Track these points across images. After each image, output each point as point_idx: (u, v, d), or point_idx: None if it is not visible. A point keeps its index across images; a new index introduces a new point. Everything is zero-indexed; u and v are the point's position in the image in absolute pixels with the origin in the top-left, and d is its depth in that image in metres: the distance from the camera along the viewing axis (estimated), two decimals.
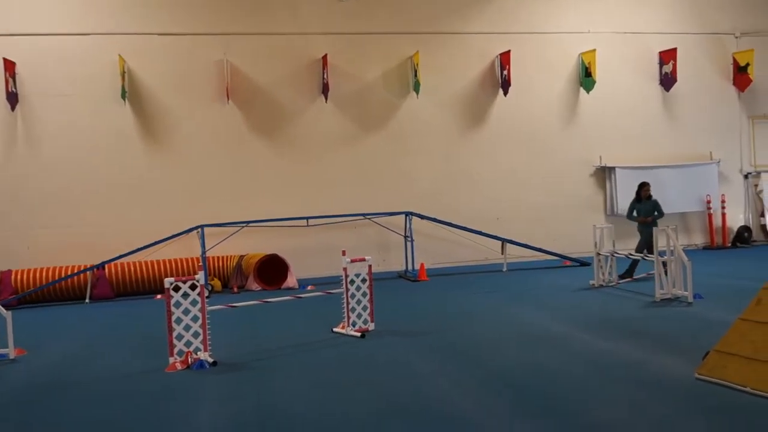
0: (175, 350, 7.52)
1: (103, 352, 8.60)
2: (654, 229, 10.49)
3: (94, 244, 13.96)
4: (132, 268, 13.61)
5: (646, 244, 11.69)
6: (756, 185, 17.70)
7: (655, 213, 12.25)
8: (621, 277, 12.01)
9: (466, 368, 6.94)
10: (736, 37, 17.68)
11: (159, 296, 13.08)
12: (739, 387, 5.55)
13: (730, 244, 17.23)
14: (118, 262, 13.53)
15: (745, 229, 17.39)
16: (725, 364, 5.80)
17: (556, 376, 6.49)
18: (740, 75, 17.39)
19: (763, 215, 17.53)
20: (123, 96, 14.18)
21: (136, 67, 14.58)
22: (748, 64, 17.20)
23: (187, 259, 13.95)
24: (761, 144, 17.87)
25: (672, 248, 9.88)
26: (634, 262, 12.07)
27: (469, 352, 7.63)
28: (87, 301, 13.15)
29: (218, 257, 14.12)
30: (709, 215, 17.13)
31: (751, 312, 6.02)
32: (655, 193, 16.95)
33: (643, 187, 12.46)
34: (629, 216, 12.55)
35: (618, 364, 6.75)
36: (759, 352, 5.64)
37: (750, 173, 17.74)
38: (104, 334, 9.90)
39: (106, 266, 13.49)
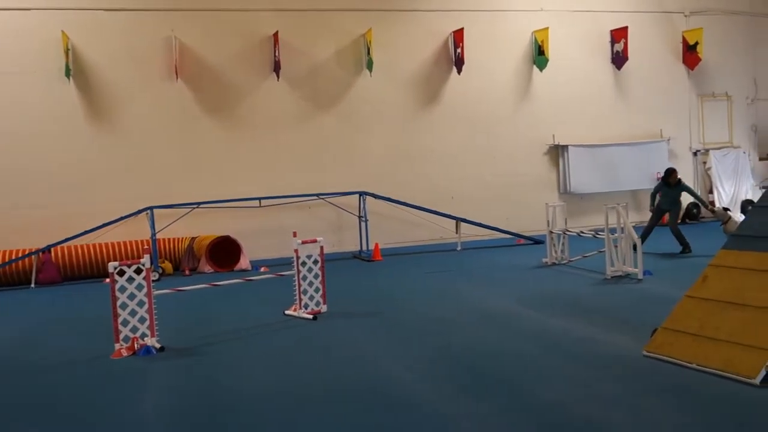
0: (121, 336, 7.32)
1: (47, 338, 8.36)
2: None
3: (40, 226, 13.48)
4: (80, 252, 13.23)
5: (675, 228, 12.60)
6: (704, 162, 18.04)
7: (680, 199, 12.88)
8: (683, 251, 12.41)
9: (417, 348, 6.91)
10: (686, 16, 17.90)
11: (107, 280, 12.73)
12: (686, 363, 5.63)
13: (679, 221, 17.48)
14: (65, 245, 13.14)
15: (694, 205, 17.70)
16: (672, 341, 5.87)
17: (506, 355, 6.51)
18: (690, 54, 17.63)
19: (711, 192, 17.89)
20: (67, 74, 13.68)
21: (81, 43, 14.06)
22: (697, 43, 17.43)
23: (136, 242, 13.61)
24: (710, 122, 18.20)
25: (622, 226, 9.98)
26: (681, 238, 12.49)
27: (420, 332, 7.61)
28: (32, 285, 12.75)
29: (169, 239, 13.83)
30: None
31: (697, 289, 6.10)
32: (607, 171, 17.25)
33: (671, 173, 12.71)
34: (653, 201, 12.96)
35: (568, 342, 6.80)
36: (704, 328, 5.71)
37: (699, 151, 18.07)
38: (49, 320, 9.62)
39: (53, 250, 13.09)
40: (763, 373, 5.09)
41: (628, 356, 6.12)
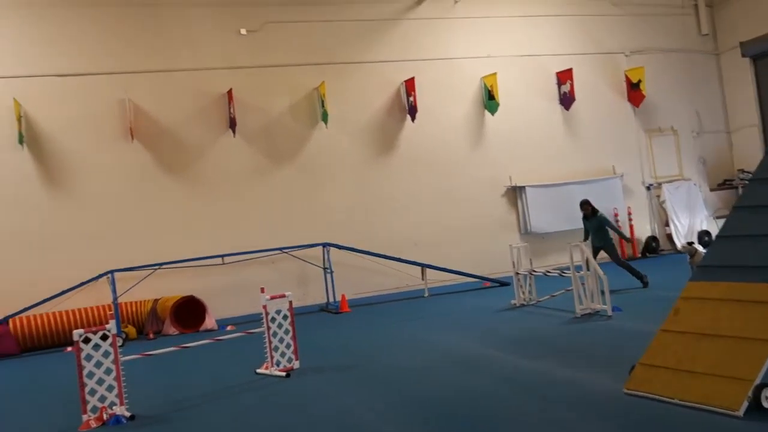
0: (89, 407, 7.03)
1: (9, 413, 7.99)
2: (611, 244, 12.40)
3: None
4: (39, 321, 12.80)
5: (616, 259, 12.67)
6: (658, 196, 18.48)
7: (606, 228, 12.68)
8: (644, 283, 12.37)
9: (393, 399, 6.81)
10: (626, 56, 18.54)
11: (69, 348, 12.32)
12: (667, 399, 5.63)
13: (640, 255, 17.87)
14: (24, 315, 12.71)
15: (652, 239, 18.10)
16: (651, 377, 5.88)
17: (483, 400, 6.44)
18: (633, 91, 18.21)
19: (667, 225, 18.29)
20: (20, 141, 13.44)
21: (34, 110, 13.87)
22: (639, 81, 18.03)
23: (98, 307, 13.24)
24: (659, 156, 18.72)
25: (587, 263, 10.09)
26: (632, 270, 12.45)
27: (395, 382, 7.50)
28: None
29: (131, 303, 13.49)
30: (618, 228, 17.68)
31: (670, 323, 6.16)
32: (565, 209, 17.49)
33: (582, 206, 12.86)
34: (585, 238, 12.86)
35: (545, 384, 6.76)
36: (682, 362, 5.75)
37: (651, 185, 18.53)
38: (10, 394, 9.22)
39: (10, 321, 12.64)
40: (745, 404, 5.13)
41: (608, 395, 6.10)
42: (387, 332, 10.88)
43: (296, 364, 8.62)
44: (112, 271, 13.11)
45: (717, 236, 6.72)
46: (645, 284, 12.32)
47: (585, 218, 12.82)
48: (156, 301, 13.57)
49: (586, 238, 12.78)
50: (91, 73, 14.25)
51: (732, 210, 6.81)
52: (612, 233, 12.83)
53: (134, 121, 14.23)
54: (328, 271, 14.37)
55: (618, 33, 18.40)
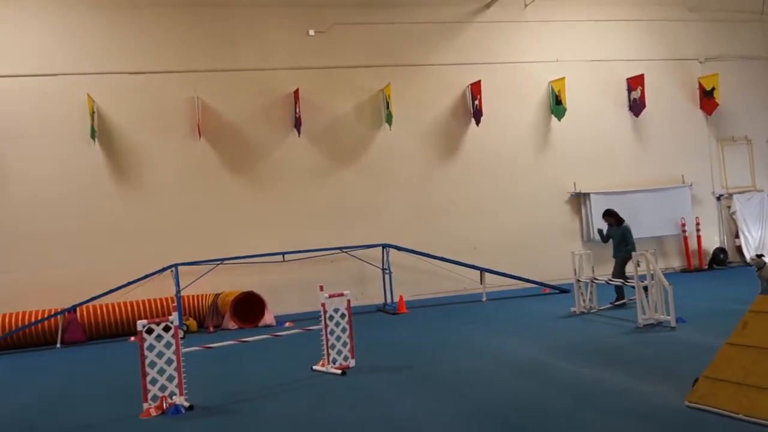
0: (149, 395, 7.23)
1: (74, 399, 8.27)
2: (622, 258, 11.22)
3: (66, 286, 13.57)
4: (104, 311, 13.27)
5: (615, 272, 11.98)
6: (729, 207, 17.89)
7: (626, 241, 12.07)
8: (613, 303, 11.95)
9: (449, 402, 6.76)
10: (701, 63, 18.01)
11: (133, 338, 12.73)
12: (731, 414, 5.44)
13: (706, 267, 17.32)
14: (90, 304, 13.18)
15: (720, 250, 17.52)
16: (715, 390, 5.69)
17: (542, 408, 6.33)
18: (706, 99, 17.68)
19: (737, 236, 17.68)
20: (92, 136, 13.95)
21: (106, 106, 14.40)
22: (713, 89, 17.49)
23: (161, 299, 13.63)
24: (731, 166, 18.11)
25: (652, 272, 9.83)
26: (618, 287, 11.96)
27: (451, 385, 7.45)
28: (58, 345, 12.74)
29: (193, 296, 13.83)
30: (685, 238, 17.22)
31: (738, 336, 5.94)
32: (630, 218, 17.01)
33: (604, 215, 12.53)
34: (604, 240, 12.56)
35: (606, 393, 6.61)
36: (749, 377, 5.54)
37: (722, 195, 17.94)
38: (76, 380, 9.55)
39: (78, 309, 13.12)
40: None
41: (669, 407, 5.92)
42: (444, 335, 10.82)
43: (352, 363, 8.66)
44: (175, 265, 13.47)
45: None
46: (619, 304, 11.83)
47: (610, 226, 12.45)
48: (217, 295, 13.87)
49: (606, 239, 12.52)
50: (162, 71, 14.70)
51: None
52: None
53: (202, 119, 14.59)
54: (387, 271, 14.41)
55: (693, 39, 17.91)
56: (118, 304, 13.38)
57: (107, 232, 14.25)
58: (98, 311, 13.26)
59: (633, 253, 10.46)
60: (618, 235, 12.15)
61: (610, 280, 11.49)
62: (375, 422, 6.35)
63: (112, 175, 14.46)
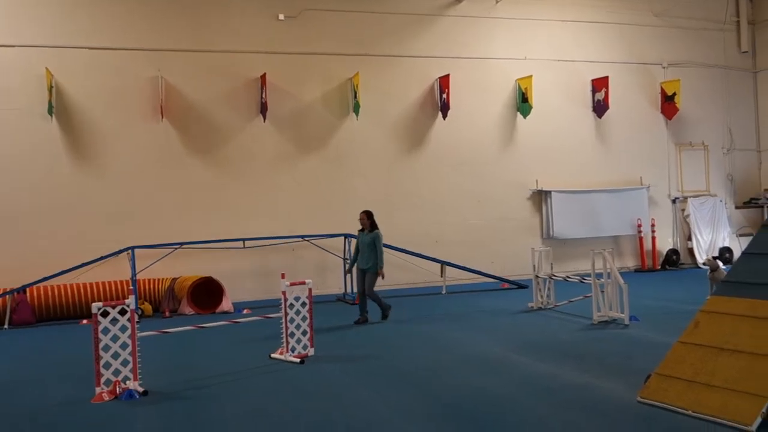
0: (102, 380, 7.11)
1: (23, 383, 8.07)
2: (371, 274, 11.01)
3: (16, 266, 13.20)
4: (56, 292, 12.95)
5: (360, 287, 11.23)
6: (683, 210, 18.29)
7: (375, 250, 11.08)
8: (356, 322, 11.19)
9: (407, 393, 6.80)
10: (664, 68, 18.33)
11: (85, 321, 12.49)
12: (681, 410, 5.57)
13: (659, 267, 17.71)
14: (41, 285, 12.86)
15: (673, 252, 17.93)
16: (666, 387, 5.82)
17: (499, 400, 6.42)
18: (668, 104, 18.01)
19: (690, 239, 18.11)
20: (50, 111, 13.59)
21: (65, 81, 14.02)
22: (675, 94, 17.83)
23: (115, 282, 13.38)
24: (687, 170, 18.50)
25: (609, 271, 10.01)
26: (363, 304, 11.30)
27: (410, 377, 7.50)
28: (6, 327, 12.42)
29: (149, 280, 13.61)
30: (640, 238, 17.57)
31: (689, 335, 6.08)
32: (589, 217, 17.27)
33: (361, 214, 11.44)
34: (355, 256, 11.47)
35: (561, 388, 6.73)
36: (698, 374, 5.68)
37: (677, 198, 18.33)
38: (24, 363, 9.33)
39: (28, 290, 12.81)
40: (758, 420, 5.06)
41: (622, 402, 6.07)
42: (403, 327, 10.87)
43: (311, 352, 8.65)
44: (132, 248, 13.25)
45: (743, 253, 6.62)
46: (384, 316, 11.36)
47: (361, 231, 11.38)
48: (174, 280, 13.68)
49: (354, 259, 11.39)
50: (125, 48, 14.35)
51: (761, 227, 6.70)
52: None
53: (165, 99, 14.34)
54: (348, 261, 14.39)
55: (657, 44, 18.20)
56: (71, 286, 13.07)
57: (62, 211, 13.89)
58: (49, 292, 12.93)
59: (593, 251, 10.52)
60: (368, 241, 11.16)
61: (365, 295, 11.07)
62: (331, 411, 6.35)
63: (69, 152, 14.09)
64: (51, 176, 13.91)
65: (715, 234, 18.11)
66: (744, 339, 5.64)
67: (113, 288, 13.22)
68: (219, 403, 6.81)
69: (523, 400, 6.41)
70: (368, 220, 11.30)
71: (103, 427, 6.18)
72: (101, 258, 13.11)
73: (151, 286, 13.60)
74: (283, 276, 8.63)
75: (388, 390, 7.00)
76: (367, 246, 11.15)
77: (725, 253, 17.70)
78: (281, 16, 15.28)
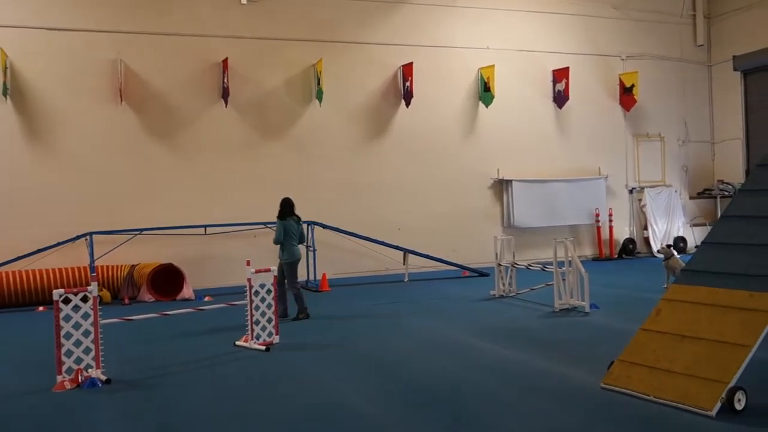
0: (64, 368, 6.98)
1: None
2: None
3: None
4: (11, 278, 12.61)
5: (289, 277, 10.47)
6: (640, 200, 18.69)
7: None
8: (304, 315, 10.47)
9: (373, 380, 6.84)
10: (622, 60, 18.64)
11: (42, 308, 12.22)
12: (643, 396, 5.74)
13: (616, 256, 18.08)
14: None
15: (630, 241, 18.32)
16: (629, 373, 5.98)
17: (462, 385, 6.50)
18: (626, 95, 18.34)
19: (646, 228, 18.52)
20: (4, 92, 13.20)
21: (21, 62, 13.61)
22: (633, 86, 18.15)
23: (73, 269, 13.09)
24: (644, 161, 18.90)
25: (570, 259, 10.19)
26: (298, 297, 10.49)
27: (375, 363, 7.54)
28: None
29: (108, 266, 13.35)
30: (598, 228, 17.90)
31: (651, 322, 6.25)
32: (549, 206, 17.52)
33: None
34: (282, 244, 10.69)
35: (524, 374, 6.84)
36: (660, 361, 5.85)
37: (634, 188, 18.72)
38: None
39: None
40: (719, 405, 5.24)
41: (585, 388, 6.19)
42: (367, 314, 10.91)
43: (276, 339, 8.62)
44: (90, 233, 13.00)
45: (703, 242, 6.83)
46: (304, 317, 10.38)
47: (282, 218, 10.66)
48: (133, 266, 13.45)
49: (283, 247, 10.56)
50: (84, 29, 13.98)
51: (720, 218, 6.92)
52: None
53: (124, 82, 14.04)
54: (311, 249, 14.35)
55: (616, 36, 18.49)
56: (26, 272, 12.74)
57: (17, 195, 13.49)
58: (4, 278, 12.58)
59: (555, 240, 10.71)
60: (300, 231, 10.85)
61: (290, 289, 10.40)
62: (295, 396, 6.37)
63: (25, 135, 13.69)
64: (6, 159, 13.52)
65: (669, 224, 18.54)
66: (704, 326, 5.83)
67: (70, 275, 12.93)
68: (184, 390, 6.75)
69: (488, 385, 6.50)
70: (287, 205, 10.81)
71: (67, 415, 6.08)
72: (58, 244, 12.86)
73: (110, 272, 13.35)
74: (248, 263, 8.58)
75: (353, 376, 7.03)
76: (300, 237, 10.85)
77: (679, 243, 18.16)
78: (244, 0, 15.06)
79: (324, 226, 14.51)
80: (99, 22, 14.10)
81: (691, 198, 19.41)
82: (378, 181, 16.03)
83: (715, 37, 19.54)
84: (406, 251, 14.93)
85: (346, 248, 15.16)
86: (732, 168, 19.19)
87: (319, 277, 14.13)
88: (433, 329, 9.36)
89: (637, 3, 18.69)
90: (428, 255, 15.08)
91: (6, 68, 13.22)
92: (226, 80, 14.58)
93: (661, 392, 5.63)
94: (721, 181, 19.09)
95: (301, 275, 14.44)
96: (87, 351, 7.10)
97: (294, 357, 7.98)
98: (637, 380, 5.87)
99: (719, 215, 17.85)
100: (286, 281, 10.49)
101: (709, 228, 18.12)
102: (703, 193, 19.33)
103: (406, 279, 14.69)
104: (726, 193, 18.68)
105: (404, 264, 14.93)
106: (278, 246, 10.65)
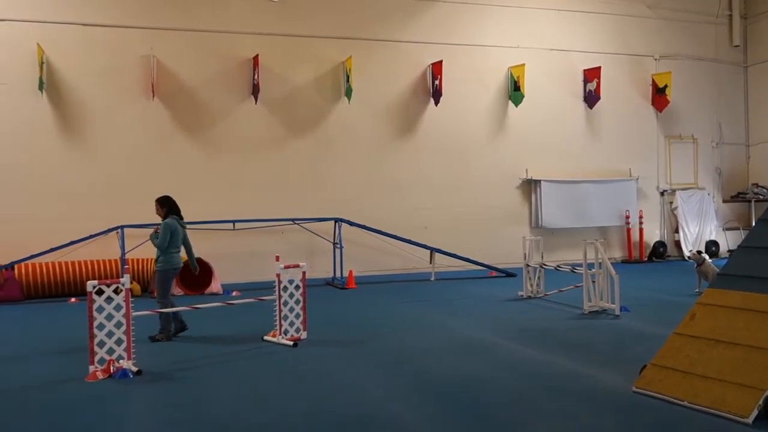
0: (96, 358, 7.07)
1: (15, 359, 8.02)
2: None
3: (5, 243, 13.06)
4: (44, 269, 12.85)
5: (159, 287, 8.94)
6: (671, 203, 18.45)
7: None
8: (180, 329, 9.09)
9: (397, 377, 6.82)
10: (656, 60, 18.41)
11: (74, 299, 12.41)
12: (676, 400, 5.65)
13: (646, 259, 17.86)
14: (30, 262, 12.76)
15: (660, 244, 18.09)
16: (662, 377, 5.89)
17: (490, 387, 6.45)
18: (658, 96, 18.11)
19: (677, 231, 18.27)
20: (41, 87, 13.41)
21: (57, 57, 13.84)
22: (666, 86, 17.92)
23: (104, 261, 13.28)
24: (676, 163, 18.65)
25: (600, 261, 10.08)
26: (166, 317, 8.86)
27: (401, 361, 7.51)
28: None
29: (138, 260, 13.51)
30: (628, 230, 17.70)
31: (685, 326, 6.16)
32: (578, 207, 17.29)
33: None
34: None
35: (553, 376, 6.77)
36: (694, 366, 5.76)
37: (666, 191, 18.48)
38: (13, 340, 9.26)
39: (16, 267, 12.69)
40: (755, 412, 5.14)
41: (616, 391, 6.11)
42: (393, 312, 10.90)
43: (304, 335, 8.65)
44: (122, 227, 13.16)
45: (739, 246, 6.70)
46: (163, 338, 8.81)
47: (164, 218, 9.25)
48: None
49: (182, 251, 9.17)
50: (118, 25, 14.18)
51: (757, 222, 6.78)
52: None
53: (157, 78, 14.19)
54: (338, 246, 14.38)
55: (649, 36, 18.27)
56: (60, 264, 12.97)
57: (52, 188, 13.74)
58: (38, 270, 12.83)
59: (585, 241, 10.61)
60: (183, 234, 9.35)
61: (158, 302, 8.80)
62: (323, 392, 6.37)
63: (59, 129, 13.93)
64: (41, 153, 13.75)
65: (701, 227, 18.27)
66: (739, 332, 5.71)
67: (102, 267, 13.13)
68: (213, 383, 6.80)
69: (516, 385, 6.45)
70: (162, 208, 9.40)
71: (98, 405, 6.15)
72: (91, 236, 13.03)
73: (140, 266, 13.50)
74: (277, 258, 8.62)
75: (379, 373, 7.02)
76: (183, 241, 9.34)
77: (711, 247, 17.89)
78: None
79: (351, 224, 14.53)
80: (133, 18, 14.27)
81: (724, 201, 19.11)
82: (405, 179, 16.01)
83: (751, 38, 19.21)
84: (432, 250, 14.89)
85: (372, 246, 15.17)
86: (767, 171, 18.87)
87: (345, 274, 14.14)
88: (460, 328, 9.33)
89: (672, 2, 18.45)
90: (455, 254, 15.02)
91: (42, 63, 13.44)
92: (256, 77, 14.66)
93: (696, 397, 5.54)
94: (756, 185, 18.76)
95: (326, 272, 14.57)
96: (119, 342, 7.19)
97: (321, 353, 8.00)
98: (670, 385, 5.78)
99: (753, 219, 17.60)
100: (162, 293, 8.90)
101: (742, 232, 17.92)
102: (737, 197, 19.01)
103: (433, 278, 14.66)
104: (761, 197, 18.36)
105: (431, 263, 14.89)
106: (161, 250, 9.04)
